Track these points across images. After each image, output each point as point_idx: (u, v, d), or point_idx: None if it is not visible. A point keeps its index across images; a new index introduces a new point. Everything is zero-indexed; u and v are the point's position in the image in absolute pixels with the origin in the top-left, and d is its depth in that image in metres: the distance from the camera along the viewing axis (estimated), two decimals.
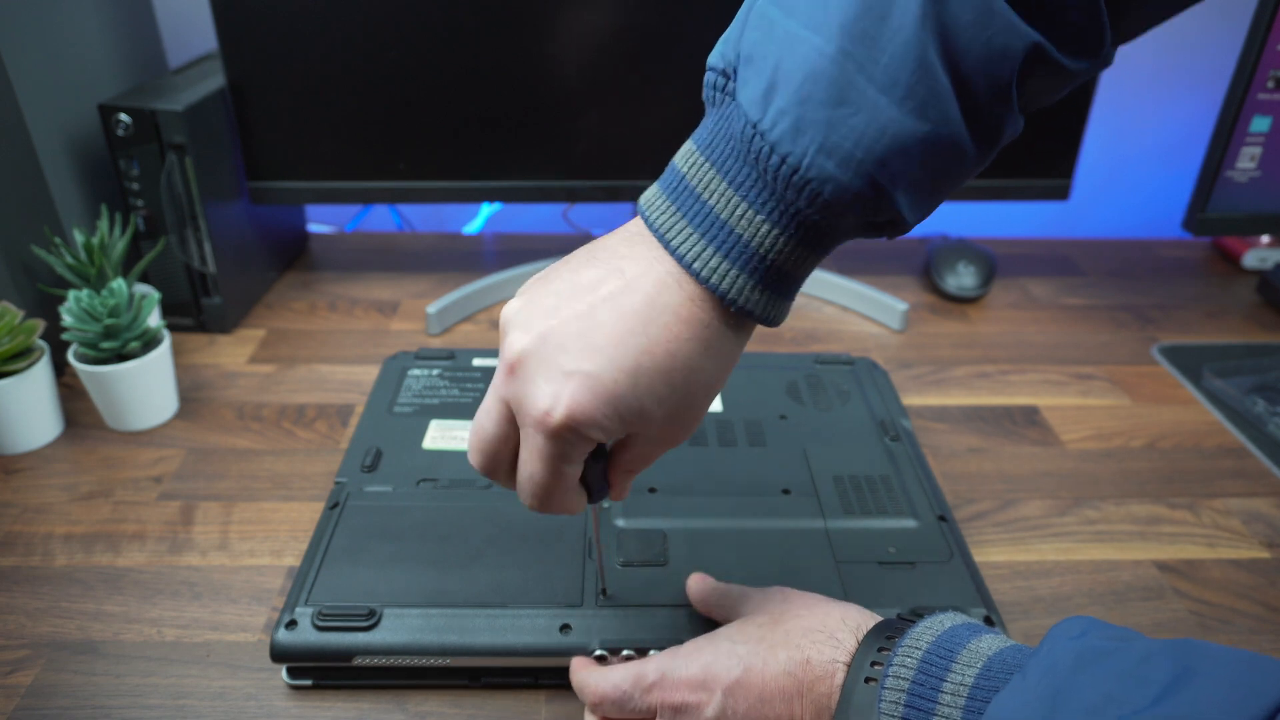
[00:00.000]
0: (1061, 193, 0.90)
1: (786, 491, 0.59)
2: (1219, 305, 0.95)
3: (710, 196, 0.35)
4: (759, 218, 0.34)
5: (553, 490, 0.38)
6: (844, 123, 0.32)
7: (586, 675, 0.45)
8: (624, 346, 0.35)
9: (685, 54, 0.81)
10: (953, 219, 1.16)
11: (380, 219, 1.17)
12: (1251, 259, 1.02)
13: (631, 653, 0.48)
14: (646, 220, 0.37)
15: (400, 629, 0.48)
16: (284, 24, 0.78)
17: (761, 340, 0.86)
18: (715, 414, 0.67)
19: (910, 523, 0.57)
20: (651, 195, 0.38)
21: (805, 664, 0.39)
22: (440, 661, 0.48)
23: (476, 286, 0.90)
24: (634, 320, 0.35)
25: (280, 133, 0.83)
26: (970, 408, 0.76)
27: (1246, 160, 0.84)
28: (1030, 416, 0.75)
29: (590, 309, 0.36)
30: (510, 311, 0.38)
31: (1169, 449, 0.72)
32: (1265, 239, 1.02)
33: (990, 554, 0.60)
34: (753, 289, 0.35)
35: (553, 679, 0.50)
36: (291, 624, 0.49)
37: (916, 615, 0.41)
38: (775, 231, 0.34)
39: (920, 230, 1.12)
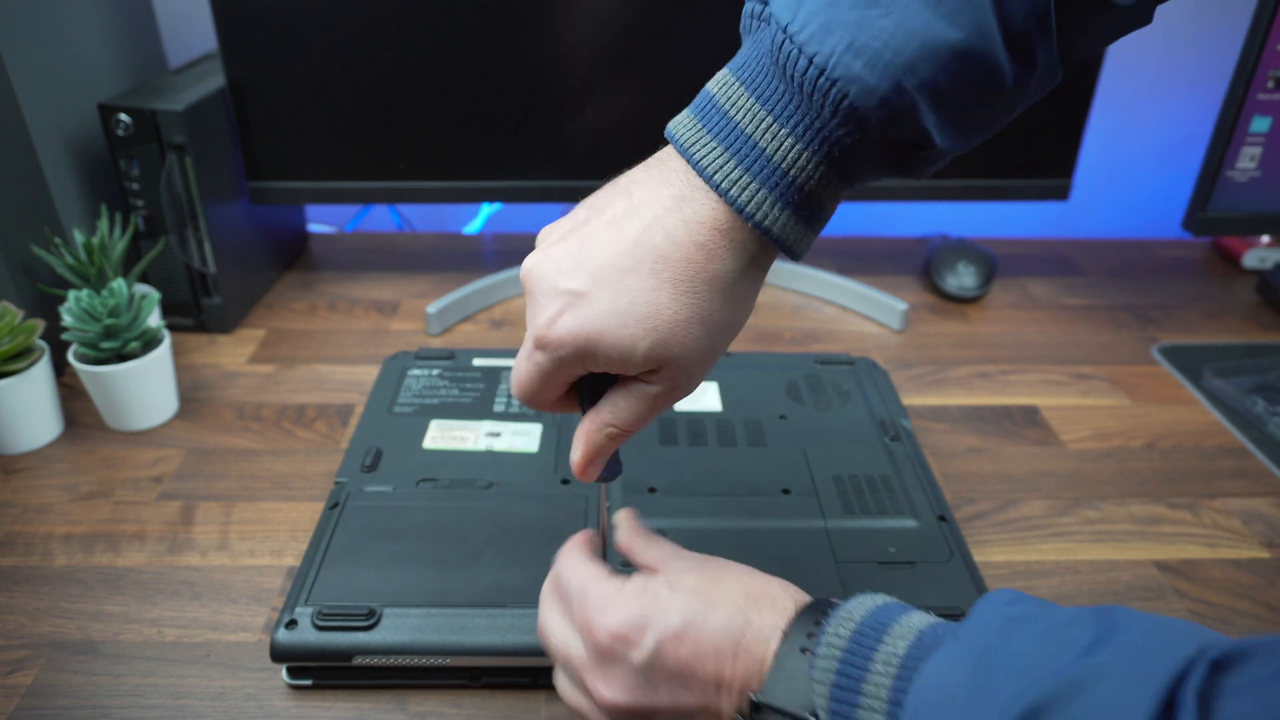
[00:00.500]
0: (1061, 193, 0.90)
1: (786, 491, 0.59)
2: (1219, 305, 0.95)
3: (738, 114, 0.35)
4: (784, 132, 0.34)
5: (538, 394, 0.40)
6: (874, 23, 0.32)
7: (568, 553, 0.44)
8: (616, 269, 0.36)
9: (685, 54, 0.81)
10: (953, 219, 1.16)
11: (380, 219, 1.17)
12: (1251, 259, 1.02)
13: None
14: (672, 137, 0.37)
15: (400, 629, 0.48)
16: (284, 24, 0.78)
17: (761, 340, 0.86)
18: (715, 414, 0.67)
19: (910, 523, 0.57)
20: (679, 118, 0.38)
21: (745, 625, 0.38)
22: (440, 661, 0.48)
23: (476, 286, 0.90)
24: (629, 245, 0.36)
25: (280, 133, 0.83)
26: (970, 408, 0.76)
27: (1246, 160, 0.84)
28: (1030, 416, 0.75)
29: (592, 232, 0.37)
30: (539, 236, 0.41)
31: (1169, 449, 0.72)
32: (1265, 239, 1.02)
33: (990, 554, 0.60)
34: (774, 205, 0.35)
35: (552, 679, 0.50)
36: (291, 624, 0.49)
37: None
38: (800, 147, 0.34)
39: (920, 230, 1.12)
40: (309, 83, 0.81)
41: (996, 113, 0.36)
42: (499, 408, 0.67)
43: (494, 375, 0.71)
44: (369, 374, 0.76)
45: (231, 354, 0.81)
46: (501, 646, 0.48)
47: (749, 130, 0.35)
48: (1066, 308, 0.94)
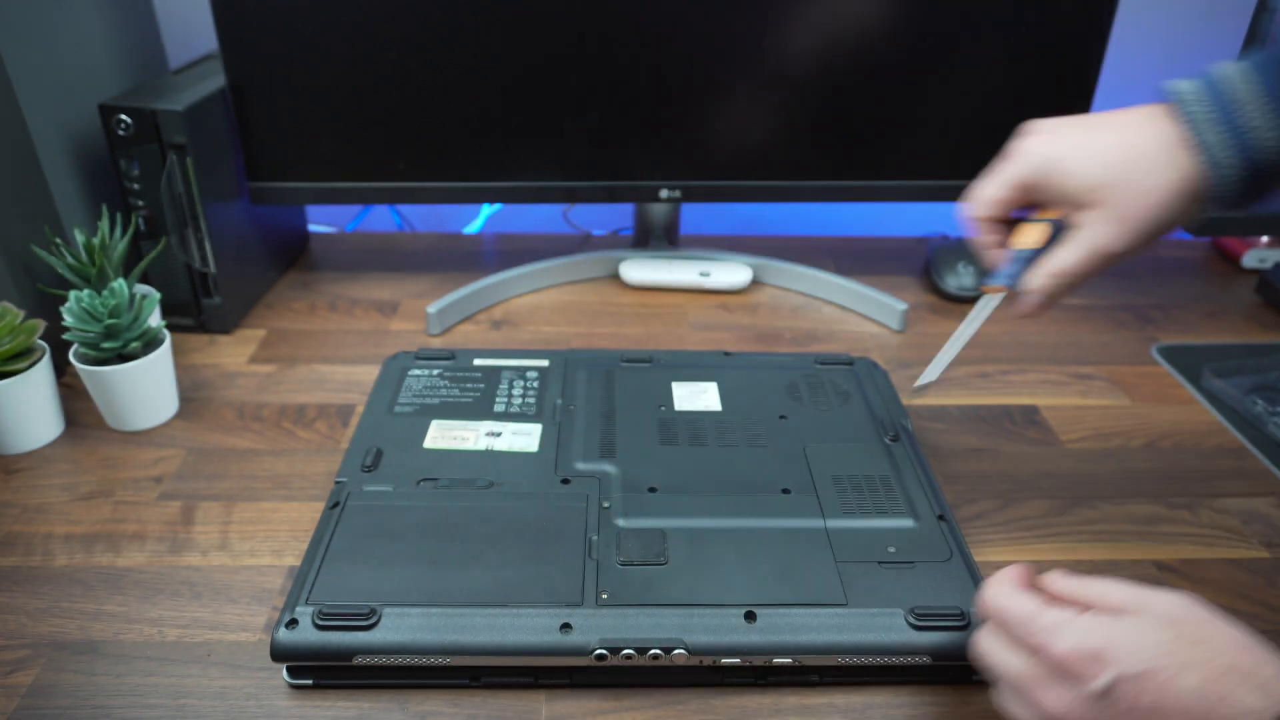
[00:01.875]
0: None
1: (786, 491, 0.60)
2: (1218, 305, 0.95)
3: (1237, 82, 0.44)
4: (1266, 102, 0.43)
5: (983, 189, 0.51)
6: None
7: (999, 587, 0.44)
8: (1088, 123, 0.48)
9: (685, 54, 0.82)
10: (953, 219, 1.16)
11: (380, 219, 1.17)
12: (1251, 259, 1.02)
13: (632, 652, 0.48)
14: (1178, 97, 0.45)
15: (400, 628, 0.49)
16: (284, 24, 0.78)
17: (761, 340, 0.86)
18: (715, 414, 0.67)
19: (910, 523, 0.57)
20: (1193, 100, 0.46)
21: (1221, 700, 0.36)
22: (440, 661, 0.48)
23: (476, 286, 0.90)
24: (1102, 119, 0.48)
25: (280, 133, 0.83)
26: (970, 408, 0.76)
27: None
28: (1030, 416, 0.75)
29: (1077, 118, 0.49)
30: None
31: (1168, 449, 0.72)
32: (1264, 239, 1.02)
33: (990, 554, 0.60)
34: (1227, 150, 0.44)
35: (553, 679, 0.50)
36: (292, 623, 0.49)
37: None
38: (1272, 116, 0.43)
39: (920, 230, 1.13)
40: (309, 83, 0.81)
41: None
42: (499, 408, 0.67)
43: (494, 375, 0.71)
44: (369, 374, 0.77)
45: (232, 354, 0.82)
46: (501, 646, 0.48)
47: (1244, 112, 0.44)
48: (1066, 308, 0.94)
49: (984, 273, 0.52)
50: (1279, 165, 0.44)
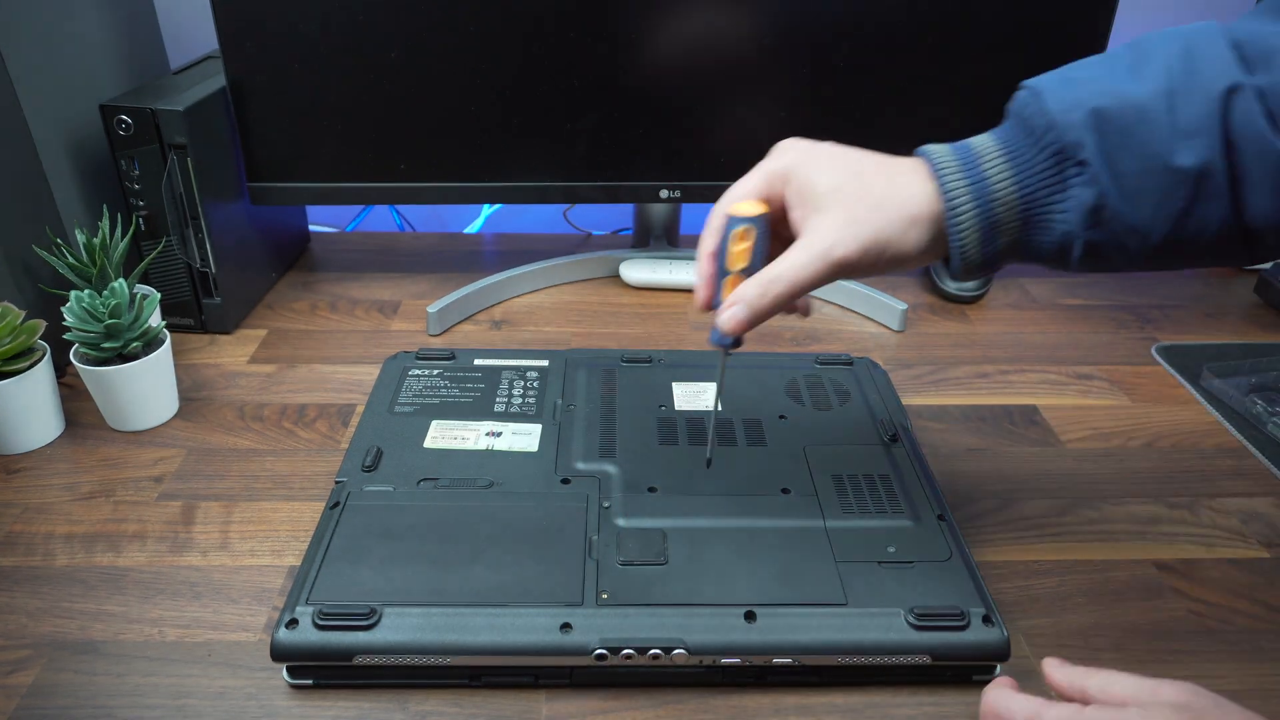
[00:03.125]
0: None
1: (786, 491, 0.60)
2: (1218, 305, 0.95)
3: (985, 153, 0.45)
4: (1005, 165, 0.44)
5: (737, 186, 0.50)
6: (1086, 74, 0.44)
7: (998, 691, 0.43)
8: (843, 151, 0.48)
9: (685, 53, 0.82)
10: None
11: (380, 219, 1.17)
12: None
13: (632, 652, 0.48)
14: (929, 157, 0.46)
15: (401, 628, 0.49)
16: (284, 24, 0.78)
17: (761, 340, 0.86)
18: (715, 414, 0.67)
19: (910, 522, 0.57)
20: (939, 149, 0.47)
21: None
22: (440, 661, 0.48)
23: (477, 286, 0.90)
24: (865, 157, 0.47)
25: (280, 133, 0.83)
26: (970, 408, 0.76)
27: None
28: (1030, 416, 0.75)
29: (845, 147, 0.48)
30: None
31: (1168, 449, 0.72)
32: None
33: (990, 554, 0.60)
34: (972, 219, 0.44)
35: (553, 679, 0.50)
36: (292, 623, 0.49)
37: None
38: (1011, 182, 0.44)
39: None
40: (309, 83, 0.81)
41: (1159, 194, 0.42)
42: (499, 408, 0.67)
43: (494, 375, 0.71)
44: (369, 374, 0.77)
45: (232, 354, 0.82)
46: (501, 646, 0.48)
47: (984, 164, 0.45)
48: (1066, 308, 0.94)
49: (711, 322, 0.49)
50: (1009, 219, 0.45)
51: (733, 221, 0.48)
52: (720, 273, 0.49)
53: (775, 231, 0.49)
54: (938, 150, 0.46)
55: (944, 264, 0.48)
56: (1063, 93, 0.43)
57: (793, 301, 0.47)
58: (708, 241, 0.50)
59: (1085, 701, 0.41)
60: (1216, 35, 0.42)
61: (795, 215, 0.47)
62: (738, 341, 0.49)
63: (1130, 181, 0.42)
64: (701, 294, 0.50)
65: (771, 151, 0.49)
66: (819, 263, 0.45)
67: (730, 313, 0.47)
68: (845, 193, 0.46)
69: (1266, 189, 0.41)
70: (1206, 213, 0.42)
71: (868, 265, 0.46)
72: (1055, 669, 0.44)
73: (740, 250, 0.47)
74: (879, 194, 0.46)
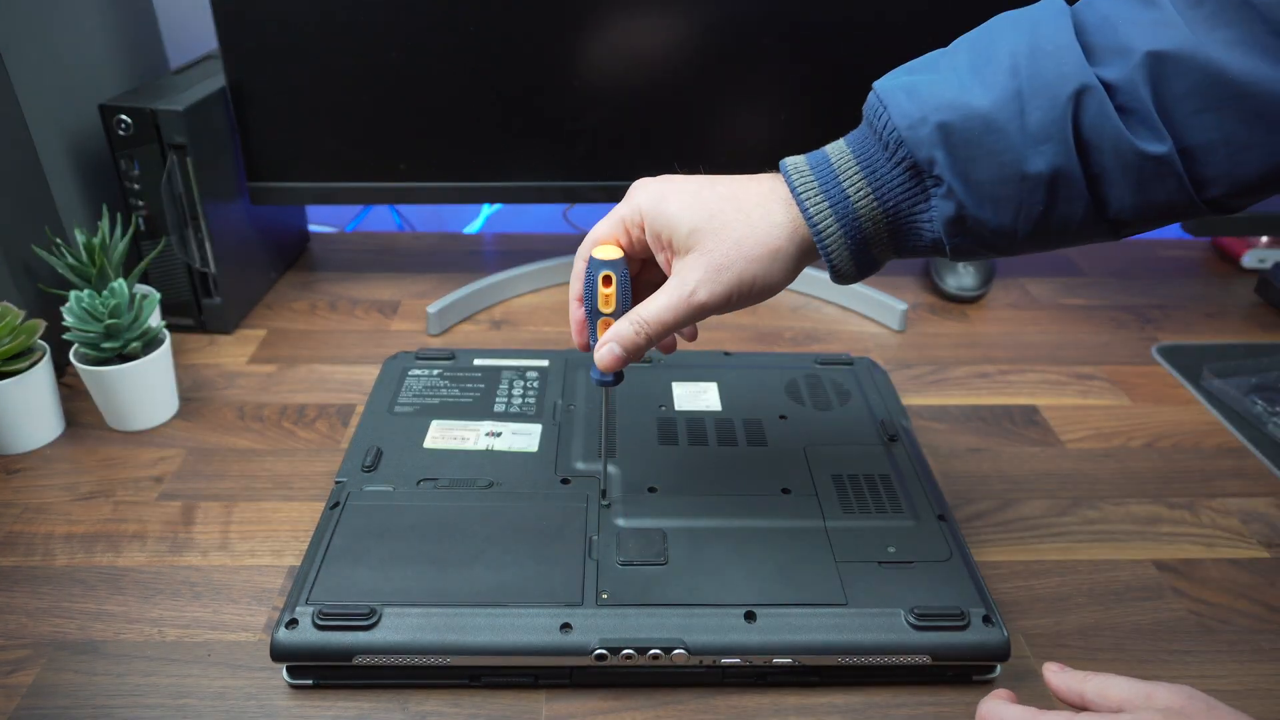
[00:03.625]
0: None
1: (786, 491, 0.60)
2: (1218, 305, 0.95)
3: (841, 166, 0.45)
4: (864, 183, 0.44)
5: (598, 228, 0.50)
6: (929, 80, 0.43)
7: (993, 702, 0.43)
8: (704, 184, 0.47)
9: (685, 53, 0.82)
10: None
11: (380, 219, 1.17)
12: (1250, 259, 1.02)
13: (632, 652, 0.48)
14: (784, 170, 0.46)
15: (400, 628, 0.49)
16: (284, 24, 0.78)
17: (761, 340, 0.86)
18: (715, 414, 0.67)
19: (910, 522, 0.57)
20: (793, 158, 0.47)
21: None
22: (440, 661, 0.48)
23: (476, 286, 0.90)
24: (726, 191, 0.46)
25: (280, 133, 0.83)
26: (970, 408, 0.76)
27: None
28: (1030, 416, 0.75)
29: (712, 177, 0.47)
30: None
31: (1168, 449, 0.72)
32: (1264, 239, 1.02)
33: (990, 554, 0.60)
34: (838, 234, 0.45)
35: (553, 679, 0.50)
36: (292, 623, 0.49)
37: None
38: (872, 200, 0.44)
39: None
40: (309, 83, 0.81)
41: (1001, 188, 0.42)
42: (499, 408, 0.67)
43: (494, 375, 0.71)
44: (369, 374, 0.77)
45: (232, 354, 0.82)
46: (501, 646, 0.48)
47: (844, 181, 0.45)
48: (1066, 308, 0.94)
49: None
50: (877, 232, 0.45)
51: (594, 265, 0.49)
52: (592, 315, 0.50)
53: (645, 267, 0.51)
54: (796, 168, 0.46)
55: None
56: (908, 105, 0.42)
57: (664, 338, 0.48)
58: (575, 286, 0.51)
59: (1083, 706, 0.41)
60: (1063, 21, 0.41)
61: (661, 258, 0.48)
62: (619, 377, 0.51)
63: (986, 190, 0.42)
64: (577, 338, 0.52)
65: (628, 194, 0.49)
66: (683, 307, 0.46)
67: (606, 349, 0.48)
68: (703, 234, 0.45)
69: (1127, 185, 0.41)
70: (1068, 211, 0.42)
71: (736, 302, 0.47)
72: (1054, 674, 0.43)
73: (606, 295, 0.49)
74: (738, 233, 0.45)
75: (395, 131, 0.83)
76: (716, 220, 0.45)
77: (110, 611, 0.54)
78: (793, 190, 0.45)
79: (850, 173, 0.44)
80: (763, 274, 0.46)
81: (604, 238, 0.50)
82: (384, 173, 0.85)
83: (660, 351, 0.54)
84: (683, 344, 0.85)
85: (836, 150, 0.45)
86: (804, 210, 0.45)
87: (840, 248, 0.45)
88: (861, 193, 0.44)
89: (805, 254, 0.47)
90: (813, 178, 0.45)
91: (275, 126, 0.82)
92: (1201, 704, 0.40)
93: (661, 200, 0.47)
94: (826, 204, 0.45)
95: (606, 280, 0.49)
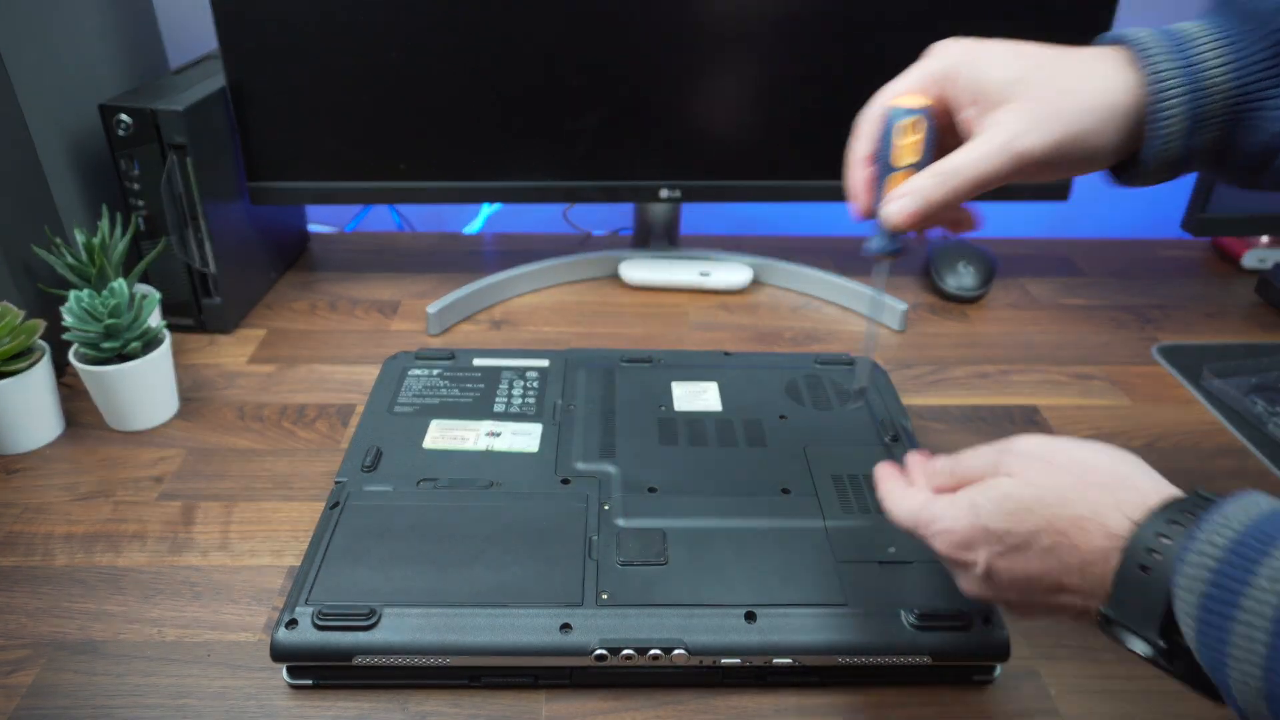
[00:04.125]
0: (1061, 192, 0.90)
1: (786, 491, 0.59)
2: (1218, 305, 0.95)
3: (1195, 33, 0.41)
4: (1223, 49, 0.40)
5: (894, 83, 0.46)
6: None
7: (889, 495, 0.45)
8: (1018, 47, 0.43)
9: (685, 53, 0.82)
10: None
11: (380, 219, 1.17)
12: (1251, 259, 1.02)
13: (632, 652, 0.48)
14: (1131, 40, 0.42)
15: (400, 628, 0.49)
16: (284, 24, 0.78)
17: (761, 340, 0.86)
18: (715, 414, 0.67)
19: None
20: (1142, 32, 0.42)
21: (1083, 533, 0.37)
22: (440, 661, 0.48)
23: (476, 286, 0.90)
24: (1067, 58, 0.42)
25: (280, 133, 0.83)
26: (970, 408, 0.76)
27: None
28: (1030, 416, 0.75)
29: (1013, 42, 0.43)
30: None
31: (1168, 449, 0.72)
32: (1264, 239, 1.02)
33: None
34: (1180, 103, 0.40)
35: (553, 679, 0.50)
36: (292, 623, 0.49)
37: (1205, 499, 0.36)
38: (1229, 74, 0.40)
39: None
40: (309, 83, 0.81)
41: None
42: (499, 408, 0.67)
43: (494, 375, 0.71)
44: (369, 374, 0.76)
45: (232, 354, 0.82)
46: (501, 646, 0.48)
47: (1198, 45, 0.40)
48: (1066, 308, 0.94)
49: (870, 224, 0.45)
50: (1218, 113, 0.40)
51: (896, 114, 0.43)
52: (883, 170, 0.44)
53: (941, 134, 0.45)
54: (1140, 33, 0.41)
55: (1120, 170, 0.43)
56: None
57: (969, 197, 0.42)
58: (861, 145, 0.45)
59: (958, 486, 0.43)
60: None
61: (967, 115, 0.43)
62: (900, 249, 0.44)
63: None
64: (862, 199, 0.45)
65: (926, 54, 0.45)
66: (1001, 155, 0.41)
67: (899, 205, 0.43)
68: (1029, 82, 0.41)
69: None
70: None
71: (1057, 161, 0.41)
72: (926, 465, 0.45)
73: (910, 143, 0.43)
74: (1070, 80, 0.41)
75: (395, 131, 0.83)
76: (1044, 70, 0.41)
77: (110, 611, 0.54)
78: (1137, 49, 0.41)
79: (1206, 42, 0.40)
80: (1094, 130, 0.40)
81: (907, 90, 0.45)
82: (384, 173, 0.85)
83: (950, 230, 0.47)
84: (683, 344, 0.86)
85: (1186, 25, 0.41)
86: (1150, 66, 0.40)
87: (1178, 117, 0.40)
88: (1217, 61, 0.40)
89: (1140, 123, 0.41)
90: (1161, 41, 0.40)
91: (275, 126, 0.82)
92: (1057, 444, 0.40)
93: (979, 52, 0.43)
94: (1175, 65, 0.40)
95: (913, 127, 0.43)
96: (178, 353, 0.80)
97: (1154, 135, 0.40)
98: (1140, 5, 1.02)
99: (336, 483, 0.59)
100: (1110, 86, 0.41)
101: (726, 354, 0.76)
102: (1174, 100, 0.40)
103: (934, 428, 0.73)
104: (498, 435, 0.64)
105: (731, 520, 0.57)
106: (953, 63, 0.43)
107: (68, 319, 0.65)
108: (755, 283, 0.96)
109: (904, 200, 0.43)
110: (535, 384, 0.70)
